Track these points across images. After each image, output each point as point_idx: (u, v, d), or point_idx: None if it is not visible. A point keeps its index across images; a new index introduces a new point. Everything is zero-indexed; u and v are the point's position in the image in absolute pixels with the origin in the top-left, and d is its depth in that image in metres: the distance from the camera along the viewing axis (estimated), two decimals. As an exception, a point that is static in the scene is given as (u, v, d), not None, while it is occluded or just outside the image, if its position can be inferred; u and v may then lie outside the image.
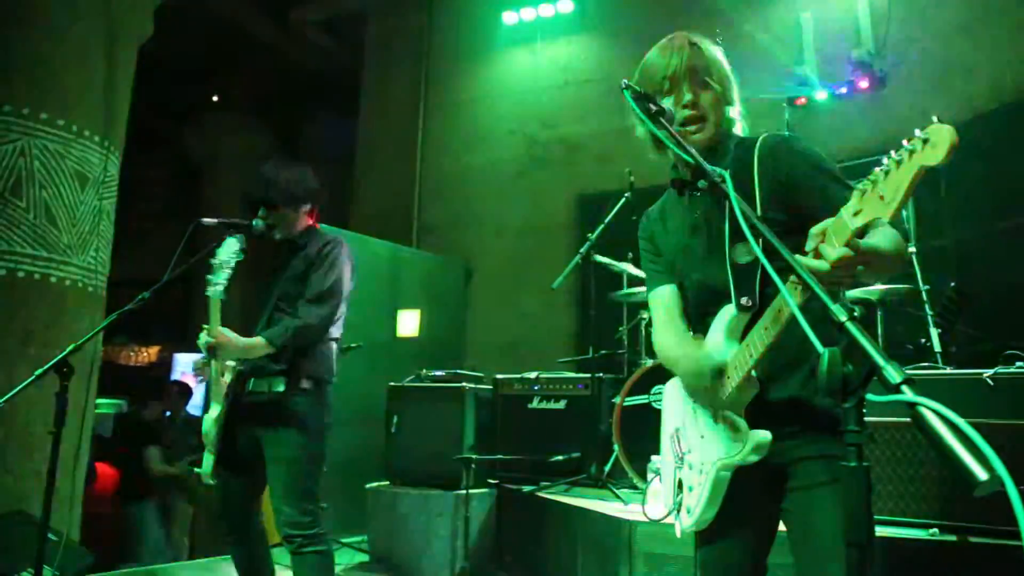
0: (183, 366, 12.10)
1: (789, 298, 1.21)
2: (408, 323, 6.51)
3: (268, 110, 12.64)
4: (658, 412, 1.95)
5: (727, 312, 1.64)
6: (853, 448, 1.00)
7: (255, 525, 3.02)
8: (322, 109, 11.51)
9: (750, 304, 1.60)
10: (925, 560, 2.65)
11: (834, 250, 1.27)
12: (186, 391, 7.51)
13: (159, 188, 13.34)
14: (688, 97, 1.71)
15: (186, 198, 13.26)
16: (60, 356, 2.42)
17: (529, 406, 4.68)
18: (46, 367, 2.40)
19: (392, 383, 4.95)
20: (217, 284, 2.85)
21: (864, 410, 1.06)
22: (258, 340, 2.86)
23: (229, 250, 2.86)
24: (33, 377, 2.41)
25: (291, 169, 3.15)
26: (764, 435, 1.54)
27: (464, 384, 4.70)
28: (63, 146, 4.76)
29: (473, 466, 4.31)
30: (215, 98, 12.47)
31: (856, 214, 1.23)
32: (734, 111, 1.79)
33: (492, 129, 7.66)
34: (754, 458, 1.55)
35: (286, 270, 3.09)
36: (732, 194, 1.34)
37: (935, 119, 1.10)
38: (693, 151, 1.51)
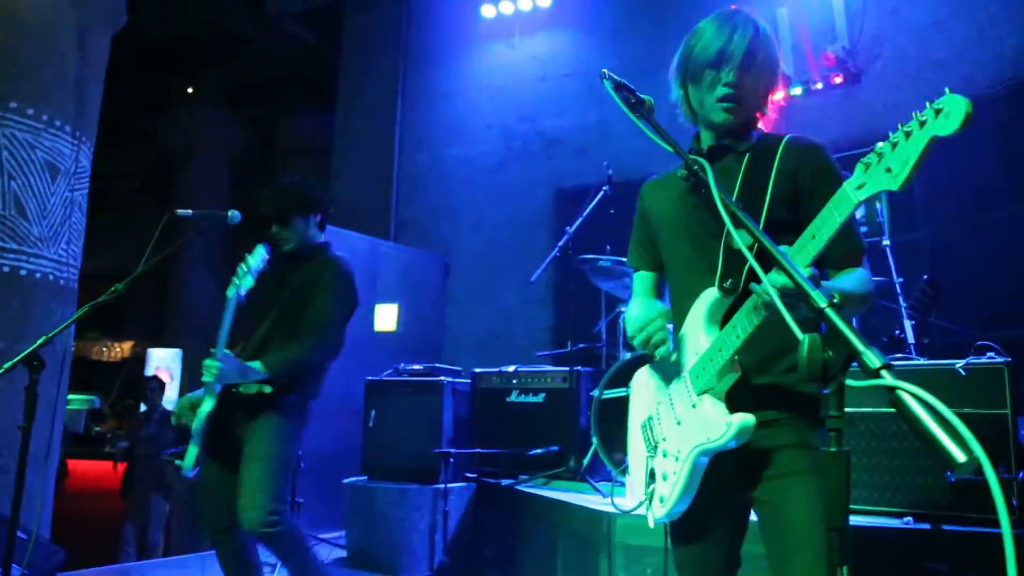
0: (157, 361, 11.98)
1: (767, 282, 1.22)
2: (386, 317, 6.47)
3: (244, 102, 12.53)
4: (638, 406, 1.93)
5: (708, 295, 1.63)
6: (833, 433, 1.01)
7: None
8: (299, 102, 11.42)
9: (732, 288, 1.59)
10: (898, 548, 2.68)
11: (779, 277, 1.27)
12: (162, 386, 7.44)
13: (133, 180, 13.17)
14: (732, 77, 1.67)
15: (160, 190, 13.11)
16: (30, 349, 2.36)
17: (507, 400, 4.67)
18: (15, 360, 2.35)
19: (370, 377, 4.93)
20: (240, 288, 2.91)
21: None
22: (256, 367, 2.87)
23: (259, 257, 2.95)
24: (2, 370, 2.36)
25: (300, 182, 3.25)
26: (748, 419, 1.49)
27: (442, 378, 4.68)
28: (33, 136, 4.67)
29: (451, 460, 4.30)
30: (190, 89, 12.33)
31: (860, 187, 1.23)
32: (770, 100, 1.76)
33: (470, 123, 7.64)
34: (735, 443, 1.50)
35: (290, 282, 3.13)
36: (712, 184, 1.35)
37: (947, 90, 1.10)
38: (673, 140, 1.51)
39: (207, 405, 2.89)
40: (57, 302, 4.77)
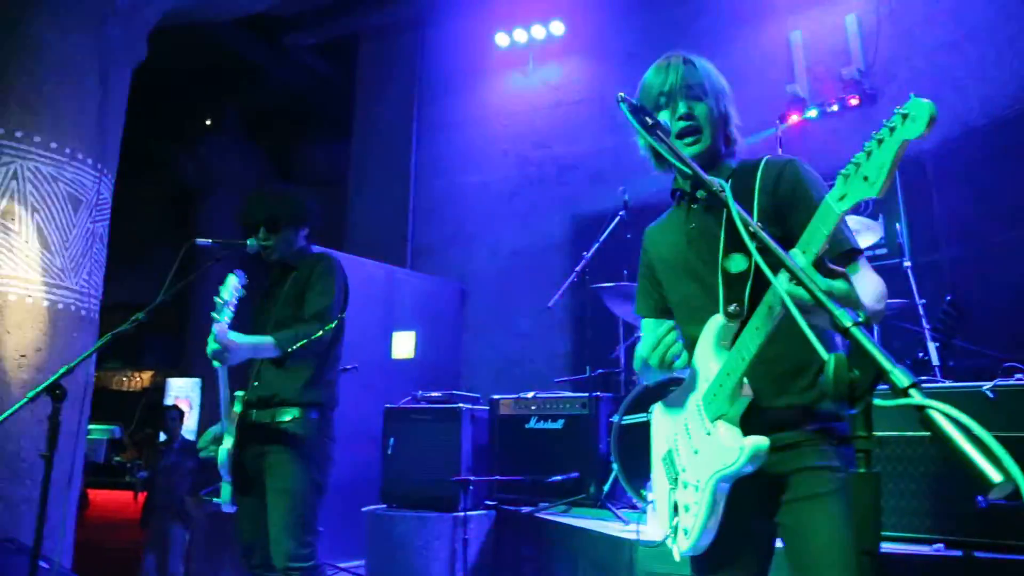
0: (176, 390, 12.05)
1: (782, 291, 1.21)
2: (403, 345, 6.48)
3: (261, 133, 12.69)
4: (657, 430, 1.91)
5: (715, 322, 1.63)
6: (862, 454, 0.98)
7: None
8: (315, 132, 11.56)
9: (737, 311, 1.59)
10: (930, 575, 2.62)
11: (801, 258, 1.32)
12: (181, 415, 7.47)
13: (152, 211, 13.33)
14: (683, 110, 1.74)
15: (179, 221, 13.26)
16: (53, 378, 2.38)
17: (526, 426, 4.64)
18: (39, 389, 2.36)
19: (388, 405, 4.92)
20: (221, 323, 2.77)
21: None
22: (267, 340, 2.81)
23: (230, 287, 2.81)
24: (26, 399, 2.37)
25: (293, 191, 3.19)
26: (760, 441, 1.47)
27: (460, 405, 4.66)
28: (56, 169, 4.75)
29: (471, 487, 4.27)
30: (208, 121, 12.51)
31: (841, 198, 1.26)
32: (733, 126, 1.80)
33: (485, 150, 7.68)
34: (751, 468, 1.48)
35: (279, 294, 3.06)
36: (731, 201, 1.34)
37: (912, 95, 1.15)
38: (690, 161, 1.51)
39: (228, 441, 2.88)
40: (79, 332, 4.82)
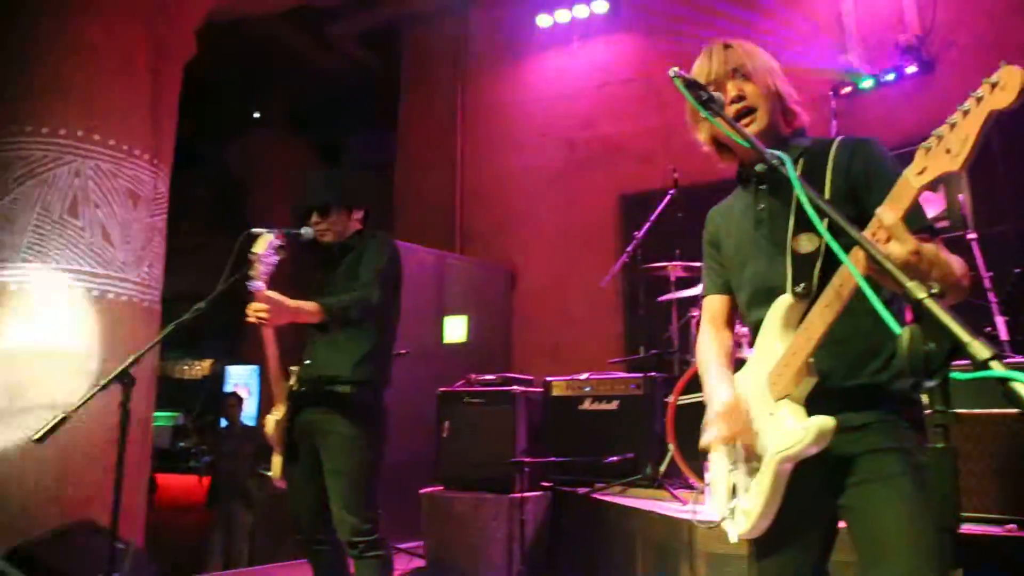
0: (235, 378, 12.36)
1: (854, 270, 1.18)
2: (455, 329, 6.53)
3: (308, 124, 12.83)
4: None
5: (782, 301, 1.60)
6: (940, 429, 0.96)
7: (332, 531, 2.93)
8: (361, 120, 11.65)
9: (806, 291, 1.56)
10: (1001, 556, 2.55)
11: (889, 214, 1.25)
12: (240, 402, 7.68)
13: (203, 205, 13.61)
14: (733, 92, 1.71)
15: (230, 214, 13.52)
16: (124, 366, 2.47)
17: (580, 408, 4.65)
18: (110, 377, 2.45)
19: (442, 388, 4.97)
20: (257, 282, 2.73)
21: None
22: (311, 304, 2.79)
23: (264, 243, 2.76)
24: (99, 387, 2.46)
25: (346, 174, 3.20)
26: (827, 421, 1.45)
27: (514, 387, 4.69)
28: (115, 166, 4.89)
29: (526, 469, 4.29)
30: (256, 114, 12.69)
31: (920, 172, 1.21)
32: (791, 102, 1.76)
33: (531, 132, 7.66)
34: (815, 448, 1.46)
35: (336, 275, 3.07)
36: (793, 175, 1.31)
37: (1003, 63, 1.09)
38: (748, 133, 1.49)
39: (278, 412, 2.93)
40: (142, 323, 4.97)
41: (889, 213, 1.28)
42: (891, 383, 1.56)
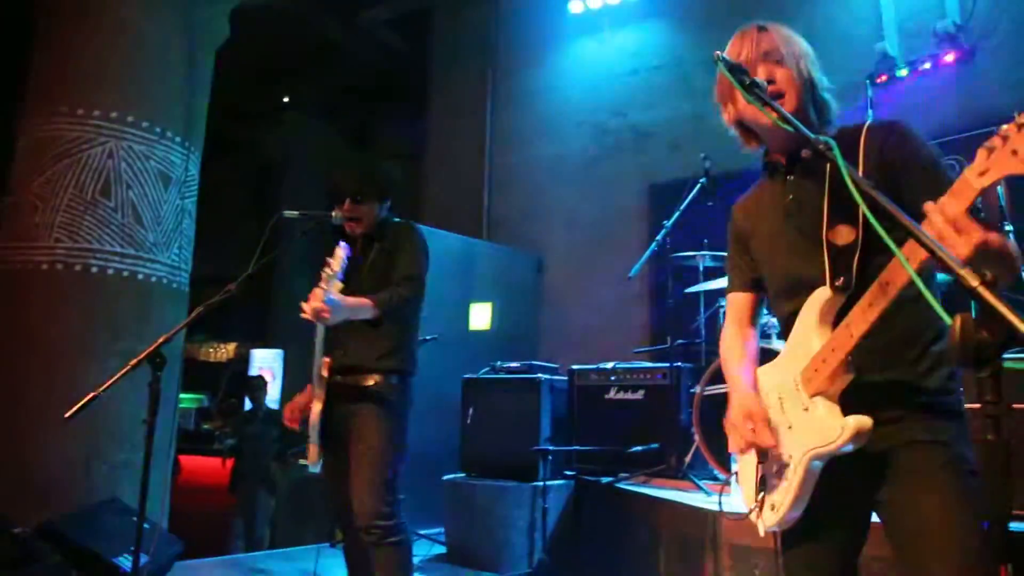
0: (260, 361, 12.47)
1: (907, 265, 1.14)
2: (481, 316, 6.52)
3: (338, 109, 12.87)
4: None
5: (820, 295, 1.56)
6: (991, 419, 0.93)
7: None
8: (391, 106, 11.66)
9: (845, 286, 1.52)
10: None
11: (953, 205, 1.18)
12: (265, 385, 7.73)
13: (233, 188, 13.72)
14: (763, 76, 1.65)
15: (260, 198, 13.62)
16: (153, 347, 2.48)
17: (606, 396, 4.62)
18: (140, 357, 2.47)
19: (467, 375, 4.96)
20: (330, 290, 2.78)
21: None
22: (366, 300, 2.84)
23: (340, 258, 2.80)
24: (128, 367, 2.48)
25: (378, 164, 3.27)
26: (864, 420, 1.43)
27: (540, 375, 4.67)
28: (147, 147, 4.93)
29: (550, 457, 4.28)
30: (286, 99, 12.75)
31: (982, 174, 1.14)
32: (822, 90, 1.70)
33: (560, 120, 7.60)
34: (850, 447, 1.44)
35: (365, 264, 3.09)
36: (840, 160, 1.27)
37: None
38: (792, 119, 1.44)
39: (317, 404, 2.96)
40: (171, 305, 5.02)
41: (953, 204, 1.20)
42: (928, 374, 1.52)
